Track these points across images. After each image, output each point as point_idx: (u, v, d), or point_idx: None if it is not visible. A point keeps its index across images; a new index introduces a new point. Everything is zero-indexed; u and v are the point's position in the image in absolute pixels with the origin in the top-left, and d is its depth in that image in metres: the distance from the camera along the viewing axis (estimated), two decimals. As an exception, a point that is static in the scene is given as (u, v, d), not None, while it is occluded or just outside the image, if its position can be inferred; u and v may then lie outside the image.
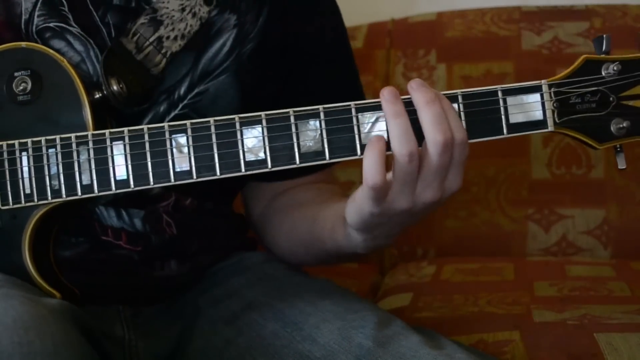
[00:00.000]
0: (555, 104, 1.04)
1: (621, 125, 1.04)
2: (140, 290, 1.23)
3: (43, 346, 0.88)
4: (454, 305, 1.47)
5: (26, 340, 0.87)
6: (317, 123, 1.02)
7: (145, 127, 1.05)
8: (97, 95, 1.11)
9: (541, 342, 1.27)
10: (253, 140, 1.03)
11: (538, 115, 1.04)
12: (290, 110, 1.02)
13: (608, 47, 1.04)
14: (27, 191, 1.07)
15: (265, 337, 1.14)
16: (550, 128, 1.04)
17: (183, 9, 1.18)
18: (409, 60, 1.96)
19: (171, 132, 1.04)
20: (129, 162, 1.05)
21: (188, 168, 1.04)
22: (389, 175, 0.99)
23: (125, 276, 1.21)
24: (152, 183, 1.05)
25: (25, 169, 1.07)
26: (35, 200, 1.07)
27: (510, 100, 1.03)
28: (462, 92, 1.03)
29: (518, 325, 1.32)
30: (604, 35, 1.05)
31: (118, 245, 1.19)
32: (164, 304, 1.27)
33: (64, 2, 1.17)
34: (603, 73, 1.04)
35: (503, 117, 1.03)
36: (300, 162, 1.03)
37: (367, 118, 1.02)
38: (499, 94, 1.03)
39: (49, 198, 1.07)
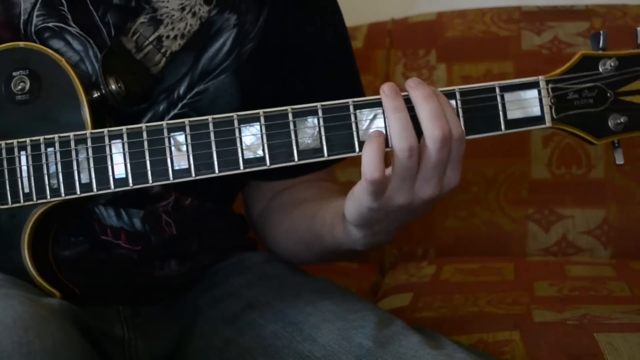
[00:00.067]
0: (552, 100, 1.04)
1: (619, 121, 1.04)
2: (140, 290, 1.23)
3: (43, 346, 0.88)
4: (454, 305, 1.47)
5: (26, 340, 0.87)
6: (315, 120, 1.02)
7: (143, 125, 1.05)
8: (96, 95, 1.11)
9: (541, 342, 1.27)
10: (251, 138, 1.03)
11: (536, 111, 1.04)
12: (289, 107, 1.03)
13: (605, 43, 1.04)
14: (26, 190, 1.07)
15: (265, 337, 1.13)
16: (548, 124, 1.04)
17: (183, 9, 1.18)
18: (409, 60, 1.96)
19: (170, 131, 1.04)
20: (128, 160, 1.05)
21: (187, 166, 1.04)
22: (388, 170, 0.99)
23: (124, 276, 1.21)
24: (150, 181, 1.05)
25: (24, 168, 1.07)
26: (34, 199, 1.07)
27: (508, 96, 1.03)
28: (459, 88, 1.03)
29: (518, 325, 1.32)
30: (601, 32, 1.05)
31: (117, 245, 1.19)
32: (163, 304, 1.27)
33: (64, 2, 1.17)
34: (600, 69, 1.05)
35: (501, 113, 1.03)
36: (299, 160, 1.03)
37: (365, 115, 1.02)
38: (497, 90, 1.03)
39: (48, 197, 1.07)
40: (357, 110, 1.02)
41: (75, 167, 1.06)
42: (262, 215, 1.34)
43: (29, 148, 1.07)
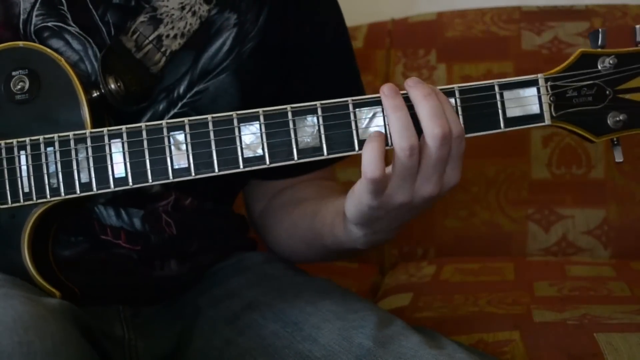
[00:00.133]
0: (552, 98, 1.04)
1: (618, 119, 1.04)
2: (140, 290, 1.23)
3: (43, 346, 0.88)
4: (454, 305, 1.47)
5: (26, 340, 0.87)
6: (315, 119, 1.02)
7: (143, 124, 1.05)
8: (95, 94, 1.11)
9: (541, 342, 1.27)
10: (251, 137, 1.03)
11: (535, 109, 1.04)
12: (288, 106, 1.03)
13: (604, 41, 1.05)
14: (26, 190, 1.07)
15: (265, 337, 1.13)
16: (547, 122, 1.04)
17: (183, 8, 1.18)
18: (409, 60, 1.96)
19: (169, 130, 1.04)
20: (127, 159, 1.05)
21: (186, 165, 1.04)
22: (388, 169, 0.99)
23: (124, 276, 1.21)
24: (150, 180, 1.05)
25: (24, 167, 1.07)
26: (34, 198, 1.07)
27: (507, 94, 1.03)
28: (459, 86, 1.03)
29: (518, 325, 1.32)
30: (600, 29, 1.05)
31: (117, 245, 1.19)
32: (163, 304, 1.27)
33: (63, 2, 1.17)
34: (599, 67, 1.05)
35: (500, 111, 1.03)
36: (299, 158, 1.03)
37: (365, 113, 1.02)
38: (496, 88, 1.03)
39: (48, 196, 1.07)
40: (357, 109, 1.02)
41: (75, 167, 1.06)
42: (263, 215, 1.34)
43: (28, 147, 1.07)
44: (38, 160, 1.07)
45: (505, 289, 1.54)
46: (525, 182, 1.87)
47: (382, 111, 1.02)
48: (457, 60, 1.94)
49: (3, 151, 1.08)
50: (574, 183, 1.85)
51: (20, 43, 1.11)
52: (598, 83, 1.04)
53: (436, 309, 1.46)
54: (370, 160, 0.98)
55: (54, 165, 1.07)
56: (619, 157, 1.05)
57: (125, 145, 1.05)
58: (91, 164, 1.06)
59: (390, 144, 1.00)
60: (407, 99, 1.01)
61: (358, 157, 1.01)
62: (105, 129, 1.06)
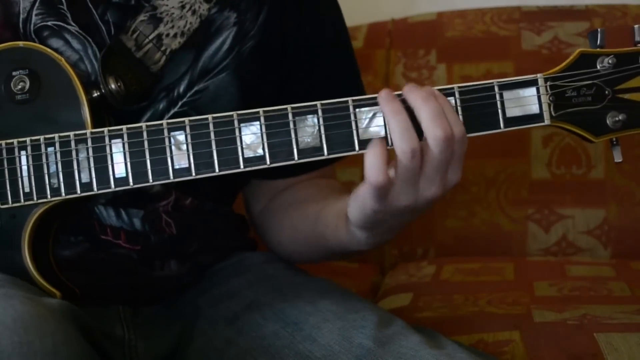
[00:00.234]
0: (551, 98, 1.04)
1: (617, 119, 1.04)
2: (140, 290, 1.23)
3: (43, 346, 0.87)
4: (454, 305, 1.47)
5: (26, 340, 0.87)
6: (315, 119, 1.02)
7: (143, 124, 1.05)
8: (95, 94, 1.11)
9: (541, 342, 1.27)
10: (251, 137, 1.03)
11: (534, 109, 1.04)
12: (288, 106, 1.03)
13: (603, 40, 1.05)
14: (27, 190, 1.07)
15: (265, 337, 1.13)
16: (547, 122, 1.04)
17: (183, 7, 1.18)
18: (409, 60, 1.96)
19: (170, 130, 1.04)
20: (128, 159, 1.05)
21: (187, 165, 1.04)
22: (391, 172, 0.99)
23: (124, 276, 1.21)
24: (151, 180, 1.05)
25: (24, 167, 1.07)
26: (35, 199, 1.07)
27: (507, 94, 1.03)
28: (458, 86, 1.03)
29: (518, 325, 1.32)
30: (599, 29, 1.05)
31: (117, 245, 1.19)
32: (163, 304, 1.27)
33: (63, 1, 1.17)
34: (598, 66, 1.05)
35: (500, 111, 1.03)
36: (299, 158, 1.03)
37: (365, 113, 1.02)
38: (496, 88, 1.03)
39: (49, 196, 1.07)
40: (357, 109, 1.02)
41: (75, 167, 1.06)
42: (263, 215, 1.34)
43: (29, 148, 1.07)
44: (39, 160, 1.07)
45: (505, 289, 1.54)
46: (525, 182, 1.87)
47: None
48: (457, 60, 1.94)
49: (4, 151, 1.08)
50: (574, 183, 1.85)
51: (21, 43, 1.11)
52: (597, 83, 1.04)
53: (436, 309, 1.46)
54: (373, 166, 0.97)
55: (55, 165, 1.07)
56: (618, 157, 1.05)
57: (126, 145, 1.05)
58: (92, 164, 1.06)
59: (391, 145, 1.00)
60: (405, 103, 1.00)
61: (358, 157, 1.01)
62: (105, 129, 1.06)
